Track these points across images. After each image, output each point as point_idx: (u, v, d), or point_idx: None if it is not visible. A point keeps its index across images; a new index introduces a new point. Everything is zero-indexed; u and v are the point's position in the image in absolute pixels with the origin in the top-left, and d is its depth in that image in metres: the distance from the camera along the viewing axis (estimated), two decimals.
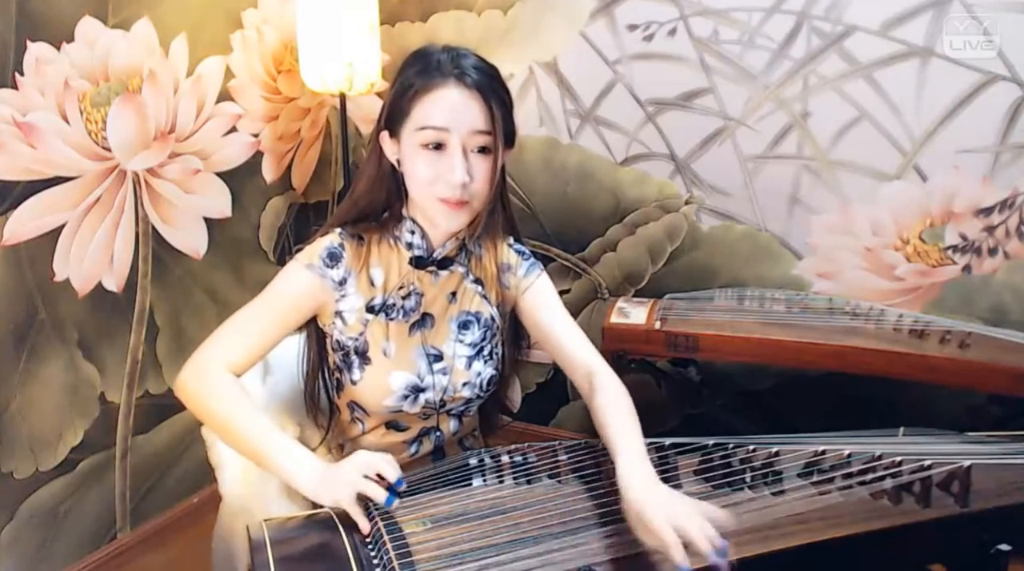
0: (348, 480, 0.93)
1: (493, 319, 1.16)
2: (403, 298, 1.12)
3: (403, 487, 0.95)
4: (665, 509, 0.86)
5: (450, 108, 1.00)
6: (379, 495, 0.92)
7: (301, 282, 1.08)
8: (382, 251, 1.12)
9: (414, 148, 1.03)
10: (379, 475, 0.94)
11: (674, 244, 2.03)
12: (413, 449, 1.17)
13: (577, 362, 1.12)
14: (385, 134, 1.08)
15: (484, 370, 1.14)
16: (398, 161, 1.07)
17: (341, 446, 1.22)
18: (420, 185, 1.04)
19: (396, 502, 0.93)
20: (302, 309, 1.09)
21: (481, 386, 1.14)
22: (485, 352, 1.15)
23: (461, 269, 1.15)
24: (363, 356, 1.10)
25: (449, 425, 1.18)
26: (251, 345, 1.06)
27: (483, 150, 1.03)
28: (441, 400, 1.13)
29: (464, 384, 1.13)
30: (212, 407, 1.02)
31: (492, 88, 1.02)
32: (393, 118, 1.06)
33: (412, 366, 1.11)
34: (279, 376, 1.23)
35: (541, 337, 1.17)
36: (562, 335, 1.14)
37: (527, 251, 1.21)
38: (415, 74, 1.03)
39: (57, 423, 1.65)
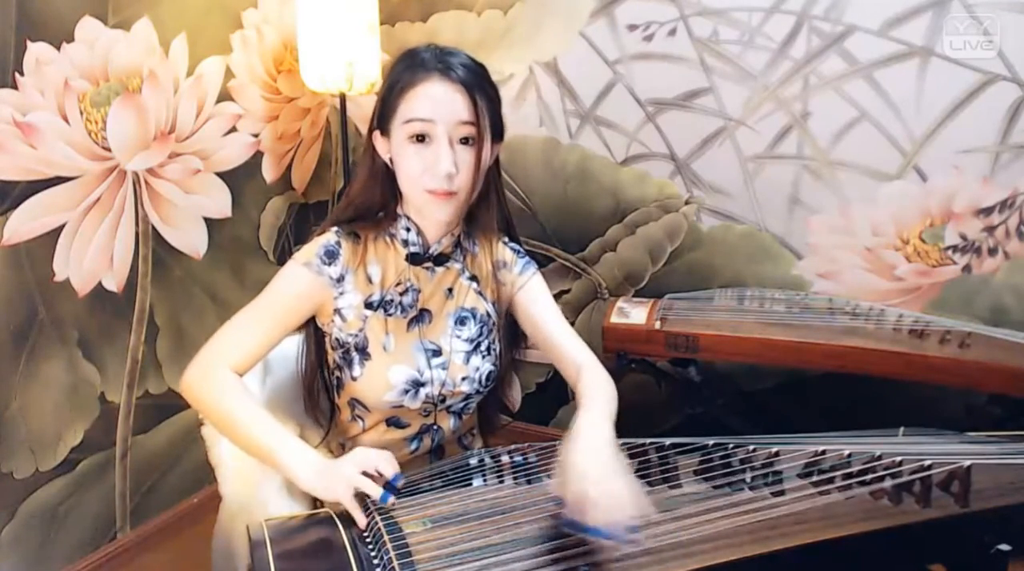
0: (345, 476, 0.94)
1: (489, 315, 1.18)
2: (401, 294, 1.13)
3: (400, 483, 0.96)
4: (601, 473, 0.86)
5: (434, 100, 1.03)
6: (375, 491, 0.93)
7: (300, 281, 1.09)
8: (379, 249, 1.13)
9: (402, 142, 1.06)
10: (377, 471, 0.95)
11: (674, 244, 2.03)
12: (413, 446, 1.18)
13: (567, 357, 1.14)
14: (377, 133, 1.11)
15: (482, 365, 1.16)
16: (390, 159, 1.10)
17: (342, 445, 1.22)
18: (409, 178, 1.07)
19: (392, 499, 0.94)
20: (302, 307, 1.10)
21: (480, 381, 1.16)
22: (483, 347, 1.16)
23: (457, 266, 1.17)
24: (363, 352, 1.11)
25: (449, 423, 1.19)
26: (252, 344, 1.07)
27: (468, 141, 1.05)
28: (441, 394, 1.14)
29: (463, 379, 1.14)
30: (215, 406, 1.04)
31: (476, 82, 1.05)
32: (383, 116, 1.09)
33: (411, 360, 1.12)
34: (279, 376, 1.23)
35: (534, 333, 1.19)
36: (554, 331, 1.17)
37: (522, 249, 1.23)
38: (401, 71, 1.06)
39: (57, 423, 1.65)
